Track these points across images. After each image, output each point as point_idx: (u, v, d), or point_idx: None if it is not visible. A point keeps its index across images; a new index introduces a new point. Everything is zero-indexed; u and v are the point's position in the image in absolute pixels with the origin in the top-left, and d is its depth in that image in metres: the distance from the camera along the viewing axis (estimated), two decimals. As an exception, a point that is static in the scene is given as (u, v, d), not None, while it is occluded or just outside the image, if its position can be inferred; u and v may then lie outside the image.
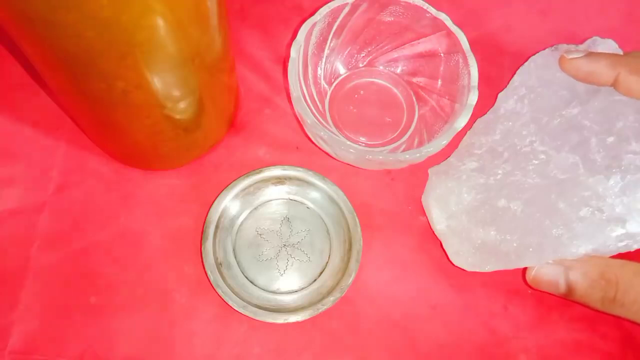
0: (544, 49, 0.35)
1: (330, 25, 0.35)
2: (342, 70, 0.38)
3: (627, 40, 0.35)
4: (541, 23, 0.41)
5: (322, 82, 0.37)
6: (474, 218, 0.32)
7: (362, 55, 0.38)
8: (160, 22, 0.23)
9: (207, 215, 0.33)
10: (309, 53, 0.35)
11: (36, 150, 0.36)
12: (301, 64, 0.34)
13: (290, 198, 0.35)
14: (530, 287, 0.32)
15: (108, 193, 0.35)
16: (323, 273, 0.33)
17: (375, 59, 0.38)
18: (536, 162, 0.32)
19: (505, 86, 0.35)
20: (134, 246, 0.34)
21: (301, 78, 0.34)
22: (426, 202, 0.34)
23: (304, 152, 0.37)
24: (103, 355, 0.32)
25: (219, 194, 0.34)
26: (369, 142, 0.37)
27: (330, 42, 0.36)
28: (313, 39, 0.35)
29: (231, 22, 0.30)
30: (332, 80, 0.38)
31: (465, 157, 0.34)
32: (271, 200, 0.35)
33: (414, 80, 0.38)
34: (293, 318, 0.31)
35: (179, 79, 0.28)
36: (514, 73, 0.35)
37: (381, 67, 0.38)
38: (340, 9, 0.34)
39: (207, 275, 0.32)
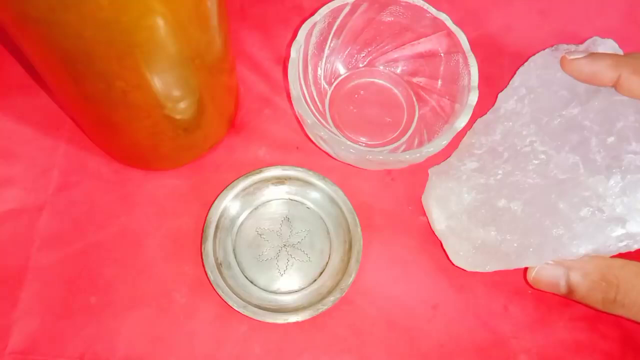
0: (544, 49, 0.35)
1: (330, 25, 0.35)
2: (342, 70, 0.38)
3: (627, 40, 0.35)
4: (541, 23, 0.41)
5: (322, 82, 0.37)
6: (474, 218, 0.32)
7: (362, 55, 0.38)
8: (160, 22, 0.23)
9: (207, 216, 0.33)
10: (309, 53, 0.35)
11: (36, 150, 0.36)
12: (301, 64, 0.34)
13: (291, 198, 0.35)
14: (530, 287, 0.32)
15: (108, 193, 0.35)
16: (323, 273, 0.33)
17: (375, 59, 0.38)
18: (536, 162, 0.32)
19: (505, 86, 0.35)
20: (134, 246, 0.34)
21: (301, 78, 0.34)
22: (426, 202, 0.34)
23: (304, 152, 0.37)
24: (103, 355, 0.32)
25: (219, 194, 0.34)
26: (369, 142, 0.37)
27: (330, 42, 0.36)
28: (313, 39, 0.35)
29: (231, 22, 0.30)
30: (332, 80, 0.38)
31: (465, 157, 0.34)
32: (271, 201, 0.35)
33: (414, 80, 0.38)
34: (293, 318, 0.31)
35: (179, 79, 0.28)
36: (514, 73, 0.35)
37: (381, 67, 0.38)
38: (340, 9, 0.34)
39: (207, 275, 0.32)
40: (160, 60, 0.25)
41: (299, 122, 0.36)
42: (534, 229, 0.31)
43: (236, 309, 0.31)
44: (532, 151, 0.32)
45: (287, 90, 0.37)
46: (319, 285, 0.33)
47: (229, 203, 0.34)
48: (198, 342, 0.32)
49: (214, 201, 0.34)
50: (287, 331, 0.32)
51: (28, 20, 0.22)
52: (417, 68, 0.37)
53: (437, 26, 0.34)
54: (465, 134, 0.35)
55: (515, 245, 0.31)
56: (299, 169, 0.34)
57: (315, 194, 0.35)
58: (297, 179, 0.35)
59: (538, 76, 0.34)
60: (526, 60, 0.35)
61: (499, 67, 0.39)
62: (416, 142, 0.36)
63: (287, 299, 0.33)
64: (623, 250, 0.30)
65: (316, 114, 0.35)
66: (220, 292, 0.31)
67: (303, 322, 0.31)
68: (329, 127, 0.36)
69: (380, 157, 0.32)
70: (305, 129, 0.34)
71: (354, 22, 0.36)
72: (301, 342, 0.32)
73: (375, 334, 0.33)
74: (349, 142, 0.35)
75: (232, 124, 0.37)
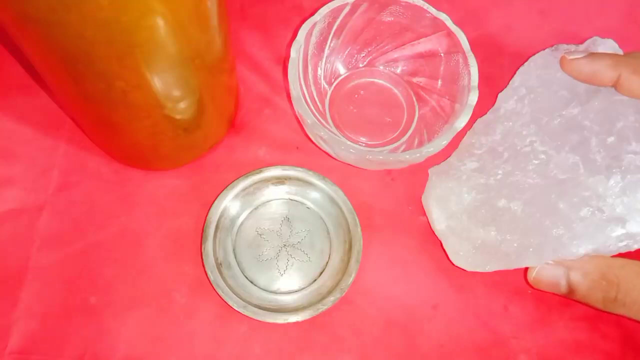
0: (544, 49, 0.35)
1: (330, 25, 0.35)
2: (342, 70, 0.38)
3: (627, 40, 0.35)
4: (541, 23, 0.41)
5: (322, 82, 0.37)
6: (474, 218, 0.32)
7: (362, 55, 0.38)
8: (160, 22, 0.23)
9: (207, 216, 0.33)
10: (309, 53, 0.35)
11: (36, 150, 0.36)
12: (301, 64, 0.34)
13: (290, 198, 0.35)
14: (530, 287, 0.32)
15: (108, 193, 0.35)
16: (323, 273, 0.33)
17: (375, 59, 0.38)
18: (536, 162, 0.32)
19: (505, 86, 0.35)
20: (134, 246, 0.34)
21: (301, 78, 0.34)
22: (426, 202, 0.34)
23: (304, 152, 0.37)
24: (103, 355, 0.32)
25: (219, 194, 0.34)
26: (369, 142, 0.37)
27: (330, 42, 0.36)
28: (313, 39, 0.35)
29: (231, 22, 0.30)
30: (332, 80, 0.38)
31: (465, 157, 0.34)
32: (271, 200, 0.35)
33: (414, 80, 0.38)
34: (293, 318, 0.31)
35: (179, 79, 0.28)
36: (514, 73, 0.35)
37: (381, 67, 0.38)
38: (340, 9, 0.34)
39: (207, 275, 0.32)
40: (160, 60, 0.25)
41: (299, 122, 0.36)
42: (534, 229, 0.31)
43: (236, 309, 0.31)
44: (532, 151, 0.32)
45: (287, 90, 0.37)
46: (319, 285, 0.33)
47: (229, 203, 0.34)
48: (198, 342, 0.32)
49: (214, 201, 0.34)
50: (287, 331, 0.32)
51: (28, 20, 0.22)
52: (417, 68, 0.37)
53: (437, 26, 0.34)
54: (465, 134, 0.35)
55: (515, 245, 0.31)
56: (299, 169, 0.34)
57: (315, 194, 0.35)
58: (297, 179, 0.35)
59: (538, 76, 0.34)
60: (526, 60, 0.35)
61: (499, 67, 0.39)
62: (416, 142, 0.36)
63: (287, 299, 0.33)
64: (623, 250, 0.30)
65: (316, 114, 0.35)
66: (220, 292, 0.31)
67: (303, 322, 0.31)
68: (329, 127, 0.36)
69: (380, 157, 0.32)
70: (305, 129, 0.34)
71: (354, 22, 0.36)
72: (301, 342, 0.32)
73: (375, 334, 0.33)
74: (349, 142, 0.35)
75: (232, 124, 0.37)
